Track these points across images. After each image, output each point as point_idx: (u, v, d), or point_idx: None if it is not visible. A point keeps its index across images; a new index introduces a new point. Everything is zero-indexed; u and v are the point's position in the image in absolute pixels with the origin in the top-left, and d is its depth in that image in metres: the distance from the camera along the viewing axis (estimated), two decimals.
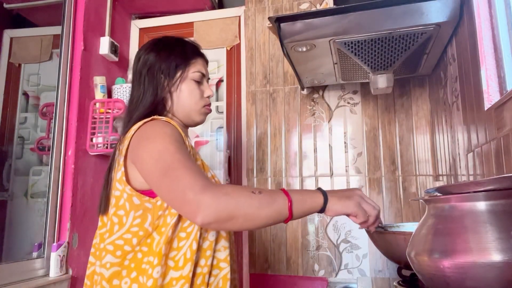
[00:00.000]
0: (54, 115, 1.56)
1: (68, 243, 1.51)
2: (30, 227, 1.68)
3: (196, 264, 0.85)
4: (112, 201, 0.86)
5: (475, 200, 0.56)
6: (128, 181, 0.84)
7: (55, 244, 1.46)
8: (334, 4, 1.32)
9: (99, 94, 1.71)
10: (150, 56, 0.96)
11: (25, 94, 1.86)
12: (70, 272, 1.50)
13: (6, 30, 1.86)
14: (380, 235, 1.07)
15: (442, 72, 1.39)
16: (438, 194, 0.65)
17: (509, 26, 0.89)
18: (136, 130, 0.85)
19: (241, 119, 1.92)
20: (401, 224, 1.25)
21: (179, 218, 0.85)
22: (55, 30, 1.66)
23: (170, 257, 0.82)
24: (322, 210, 0.79)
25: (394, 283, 1.01)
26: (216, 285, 0.88)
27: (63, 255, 1.47)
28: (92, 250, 0.93)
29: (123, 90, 1.77)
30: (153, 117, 0.88)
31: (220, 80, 2.00)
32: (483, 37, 0.95)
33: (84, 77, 1.67)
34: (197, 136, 1.97)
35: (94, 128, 1.65)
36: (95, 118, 1.66)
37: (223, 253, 0.90)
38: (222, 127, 1.94)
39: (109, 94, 1.79)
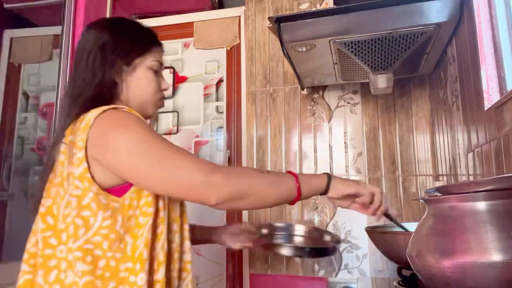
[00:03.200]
0: (54, 115, 1.56)
1: None
2: (30, 227, 1.67)
3: (168, 268, 0.80)
4: (72, 201, 0.74)
5: (475, 200, 0.56)
6: (93, 178, 0.74)
7: None
8: (334, 4, 1.32)
9: None
10: (104, 35, 0.85)
11: (25, 94, 1.86)
12: None
13: (6, 30, 1.85)
14: (380, 235, 1.07)
15: (442, 72, 1.39)
16: (438, 194, 0.65)
17: (509, 26, 0.89)
18: (95, 120, 0.74)
19: (241, 119, 1.92)
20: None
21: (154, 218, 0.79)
22: (55, 30, 1.66)
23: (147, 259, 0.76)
24: (326, 191, 0.83)
25: (394, 283, 1.01)
26: (186, 287, 0.85)
27: None
28: (25, 256, 0.80)
29: None
30: (113, 106, 0.78)
31: (220, 80, 2.00)
32: (483, 37, 0.95)
33: None
34: (197, 136, 1.97)
35: None
36: None
37: (189, 255, 0.86)
38: (222, 127, 1.94)
39: None
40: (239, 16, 2.00)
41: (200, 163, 0.73)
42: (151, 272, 0.76)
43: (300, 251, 1.11)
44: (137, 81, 0.86)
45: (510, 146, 0.78)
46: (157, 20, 2.12)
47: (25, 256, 0.80)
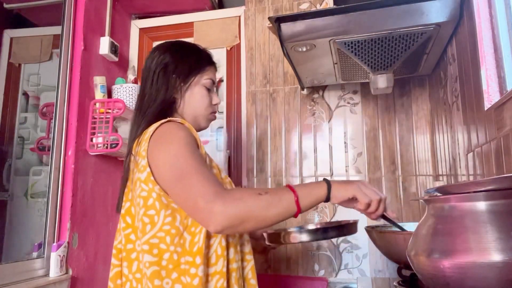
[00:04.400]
0: (54, 115, 1.56)
1: (68, 243, 1.51)
2: (30, 227, 1.68)
3: (229, 260, 0.89)
4: (140, 202, 0.86)
5: (475, 200, 0.56)
6: (156, 181, 0.85)
7: (55, 244, 1.46)
8: (334, 4, 1.32)
9: (99, 94, 1.71)
10: (166, 57, 0.99)
11: (25, 94, 1.86)
12: (70, 272, 1.50)
13: (6, 30, 1.85)
14: (380, 234, 1.07)
15: (442, 72, 1.39)
16: (438, 194, 0.65)
17: (509, 26, 0.89)
18: (153, 132, 0.87)
19: (241, 119, 1.92)
20: (401, 224, 1.25)
21: None
22: (55, 30, 1.66)
23: (209, 256, 0.87)
24: (328, 198, 0.83)
25: (394, 283, 1.01)
26: (246, 275, 0.94)
27: (63, 255, 1.47)
28: (114, 251, 0.94)
29: (123, 90, 1.77)
30: (168, 118, 0.90)
31: (220, 80, 2.00)
32: (483, 37, 0.95)
33: (84, 77, 1.67)
34: None
35: (94, 128, 1.65)
36: (95, 118, 1.66)
37: (247, 246, 0.97)
38: (222, 127, 1.94)
39: (109, 94, 1.79)
40: (239, 16, 2.00)
41: (207, 188, 0.77)
42: (209, 264, 0.86)
43: (318, 233, 1.03)
44: (192, 97, 0.99)
45: (510, 146, 0.78)
46: (157, 20, 2.12)
47: (114, 251, 0.93)
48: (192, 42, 2.06)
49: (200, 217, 0.77)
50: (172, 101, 0.98)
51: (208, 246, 0.86)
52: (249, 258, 0.97)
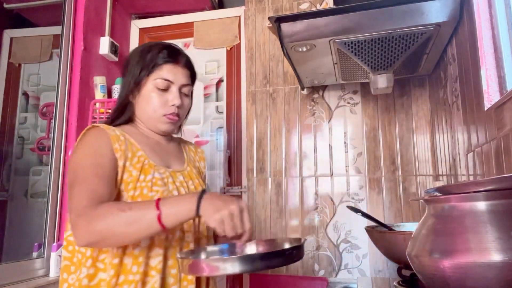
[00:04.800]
0: (54, 115, 1.56)
1: None
2: (30, 227, 1.68)
3: (127, 271, 0.84)
4: None
5: (475, 200, 0.56)
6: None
7: (55, 244, 1.46)
8: (334, 4, 1.32)
9: (99, 94, 1.71)
10: (127, 62, 0.99)
11: (25, 94, 1.86)
12: None
13: (6, 30, 1.85)
14: (380, 234, 1.07)
15: (442, 72, 1.39)
16: (438, 194, 0.65)
17: (509, 26, 0.89)
18: (80, 136, 0.90)
19: (241, 119, 1.92)
20: (401, 224, 1.25)
21: None
22: (55, 30, 1.66)
23: (100, 260, 0.86)
24: (198, 215, 0.76)
25: (394, 283, 1.01)
26: None
27: None
28: None
29: None
30: (93, 124, 0.91)
31: (220, 80, 2.00)
32: (483, 37, 0.95)
33: (84, 77, 1.67)
34: (197, 136, 1.97)
35: None
36: (95, 118, 1.66)
37: (155, 260, 0.86)
38: (222, 127, 1.94)
39: (109, 94, 1.79)
40: (239, 16, 2.00)
41: (81, 202, 0.78)
42: (98, 270, 0.85)
43: (249, 262, 0.68)
44: (141, 99, 0.95)
45: (510, 146, 0.78)
46: (157, 20, 2.12)
47: None
48: (192, 42, 2.07)
49: (72, 229, 0.78)
50: (126, 104, 0.96)
51: (106, 251, 0.85)
52: (153, 273, 0.86)
